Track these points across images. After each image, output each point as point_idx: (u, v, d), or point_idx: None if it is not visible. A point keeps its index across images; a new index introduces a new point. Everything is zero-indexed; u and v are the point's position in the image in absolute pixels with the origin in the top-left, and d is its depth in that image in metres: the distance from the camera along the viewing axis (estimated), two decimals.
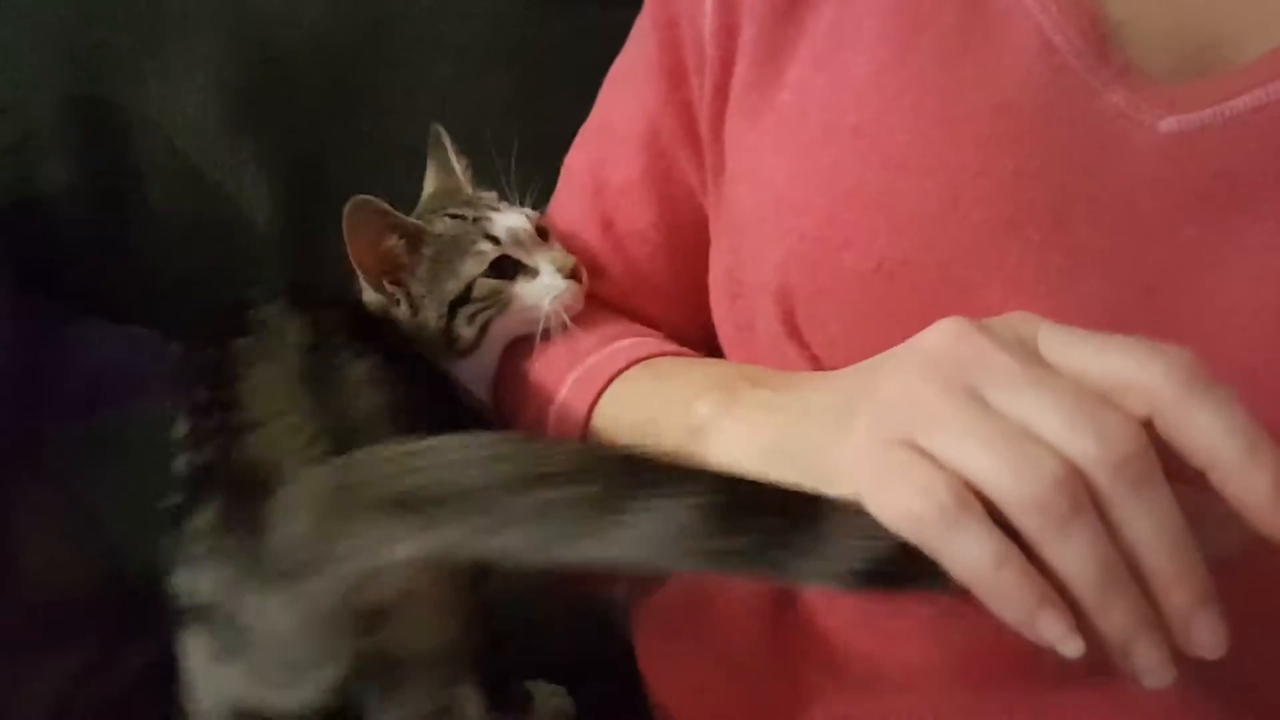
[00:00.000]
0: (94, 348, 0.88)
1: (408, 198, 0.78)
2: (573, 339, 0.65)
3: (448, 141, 0.78)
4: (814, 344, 0.54)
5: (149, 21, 0.93)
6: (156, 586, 0.68)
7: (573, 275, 0.67)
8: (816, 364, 0.54)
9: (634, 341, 0.64)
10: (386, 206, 0.66)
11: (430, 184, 0.78)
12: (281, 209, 0.95)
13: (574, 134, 0.73)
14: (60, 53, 0.93)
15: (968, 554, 0.37)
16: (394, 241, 0.67)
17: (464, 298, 0.66)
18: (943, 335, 0.42)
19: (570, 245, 0.69)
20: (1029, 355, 0.40)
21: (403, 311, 0.67)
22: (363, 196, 0.64)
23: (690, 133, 0.62)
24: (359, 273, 0.67)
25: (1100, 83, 0.48)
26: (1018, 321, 0.42)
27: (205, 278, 0.94)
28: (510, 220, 0.68)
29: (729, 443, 0.51)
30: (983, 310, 0.48)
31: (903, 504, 0.38)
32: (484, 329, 0.67)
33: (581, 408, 0.61)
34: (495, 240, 0.67)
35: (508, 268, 0.67)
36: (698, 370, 0.59)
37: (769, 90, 0.56)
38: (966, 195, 0.49)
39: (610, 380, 0.61)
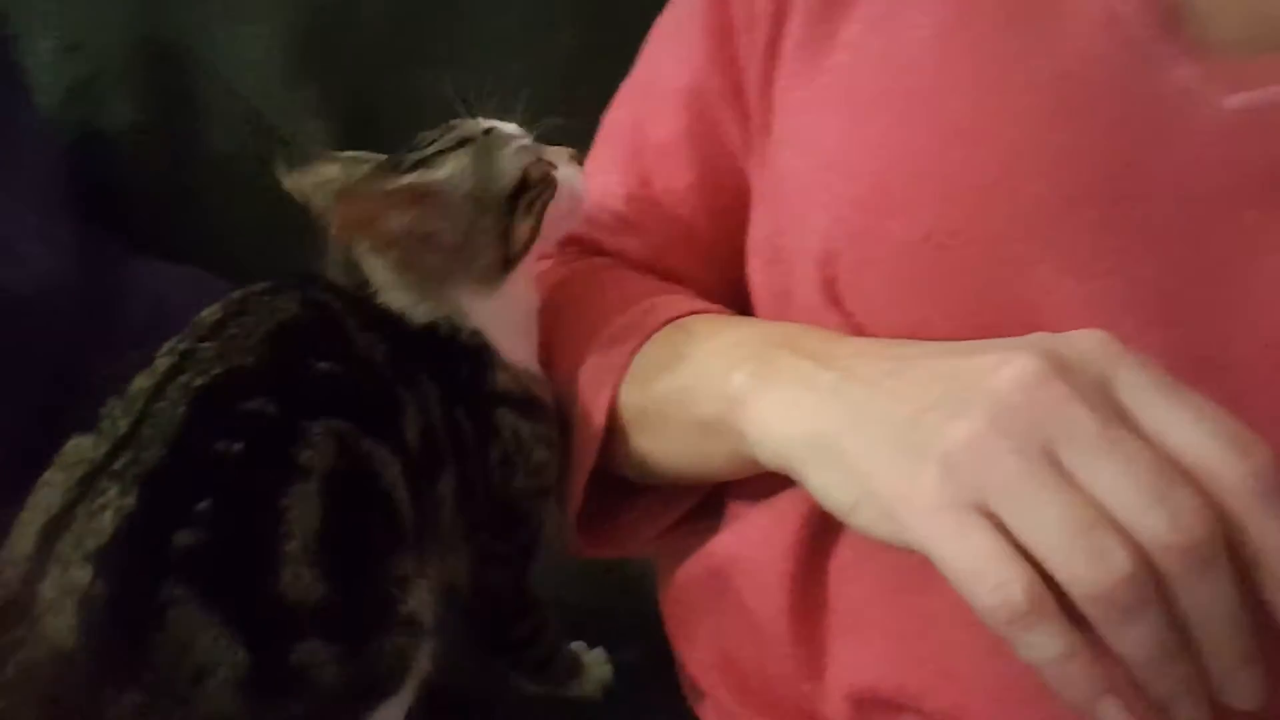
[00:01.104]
0: (152, 284, 0.90)
1: None
2: (600, 296, 0.64)
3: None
4: (856, 313, 0.53)
5: None
6: None
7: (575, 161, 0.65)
8: (859, 331, 0.53)
9: (664, 299, 0.62)
10: (381, 188, 0.59)
11: (329, 179, 0.65)
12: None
13: None
14: None
15: (1036, 648, 0.39)
16: (409, 216, 0.59)
17: (523, 185, 0.62)
18: (1020, 378, 0.41)
19: (605, 201, 0.68)
20: (1108, 409, 0.40)
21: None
22: (346, 187, 0.60)
23: (736, 91, 0.61)
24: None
25: (1167, 57, 0.46)
26: (1097, 354, 0.41)
27: (260, 222, 0.94)
28: (508, 126, 0.65)
29: (769, 419, 0.50)
30: (1034, 287, 0.47)
31: (979, 594, 0.39)
32: (540, 219, 0.62)
33: (611, 371, 0.60)
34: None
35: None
36: (731, 332, 0.57)
37: (821, 50, 0.55)
38: (1022, 168, 0.47)
39: (642, 342, 0.60)
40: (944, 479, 0.41)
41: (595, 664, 0.73)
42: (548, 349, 0.65)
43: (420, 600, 0.54)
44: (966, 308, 0.49)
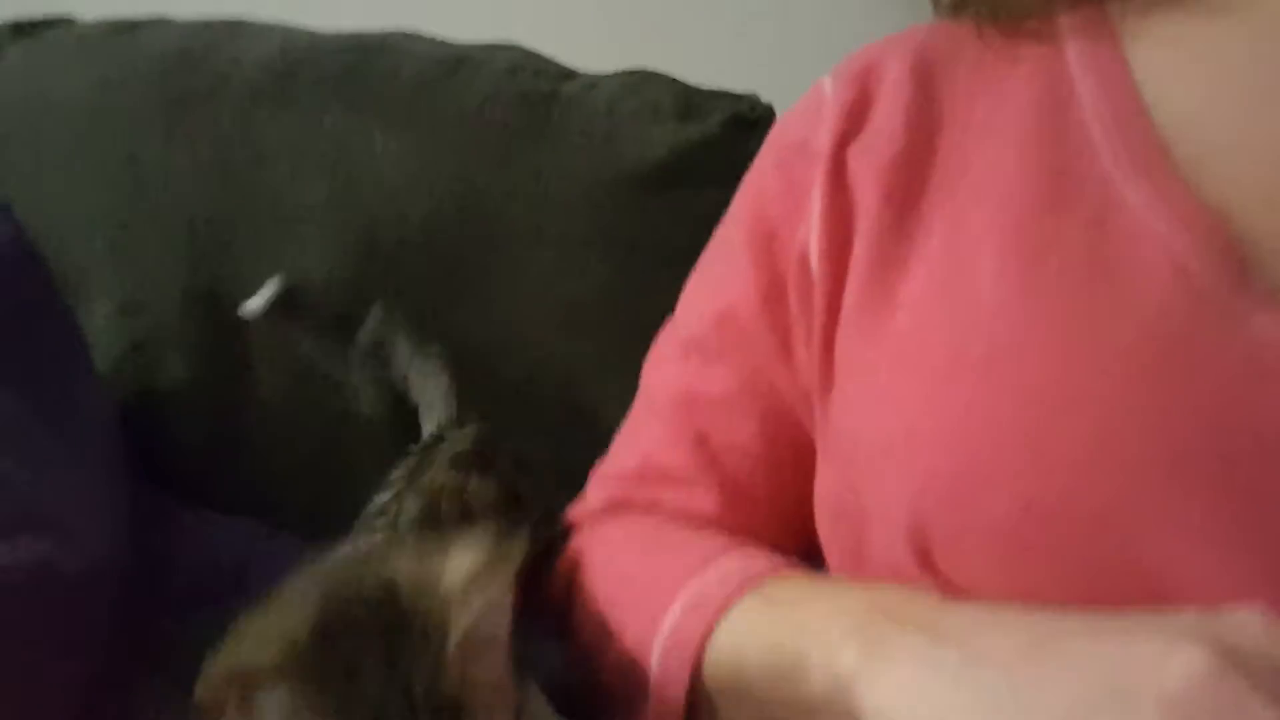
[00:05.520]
0: (203, 536, 0.90)
1: (510, 384, 0.77)
2: (666, 559, 0.60)
3: None
4: (956, 578, 0.50)
5: (265, 221, 0.97)
6: None
7: None
8: (956, 593, 0.50)
9: (737, 562, 0.58)
10: None
11: None
12: (387, 400, 0.97)
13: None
14: (186, 253, 0.98)
15: None
16: None
17: None
18: (1192, 674, 0.38)
19: (657, 459, 0.65)
20: None
21: None
22: None
23: (784, 346, 0.60)
24: None
25: (1242, 309, 0.45)
26: (1264, 638, 0.39)
27: (312, 469, 0.96)
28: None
29: (888, 705, 0.45)
30: (1152, 554, 0.45)
31: None
32: None
33: (689, 645, 0.55)
34: None
35: None
36: (821, 601, 0.53)
37: (882, 311, 0.54)
38: (1119, 432, 0.45)
39: (721, 611, 0.55)
40: None
41: None
42: (607, 617, 0.61)
43: None
44: (1080, 578, 0.46)
